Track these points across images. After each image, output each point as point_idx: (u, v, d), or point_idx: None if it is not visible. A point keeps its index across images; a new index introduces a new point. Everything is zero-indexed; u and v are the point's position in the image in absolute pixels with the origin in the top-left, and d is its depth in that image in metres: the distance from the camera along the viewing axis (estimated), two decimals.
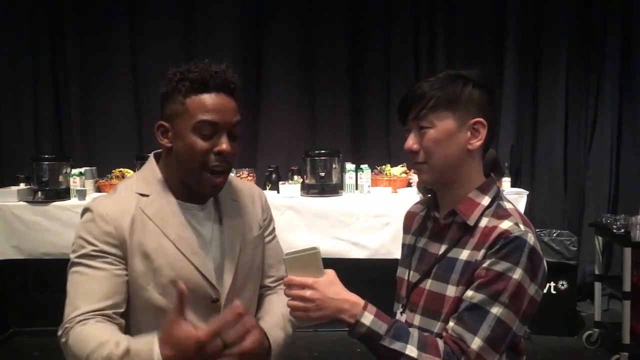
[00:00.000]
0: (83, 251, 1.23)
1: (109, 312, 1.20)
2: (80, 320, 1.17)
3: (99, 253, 1.22)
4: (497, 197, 1.21)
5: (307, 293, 1.12)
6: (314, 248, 1.15)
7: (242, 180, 1.44)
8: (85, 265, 1.22)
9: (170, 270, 1.25)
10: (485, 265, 1.11)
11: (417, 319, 1.21)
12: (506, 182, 3.86)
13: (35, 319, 3.76)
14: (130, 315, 1.27)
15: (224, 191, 1.36)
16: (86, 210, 1.27)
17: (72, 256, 1.24)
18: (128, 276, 1.25)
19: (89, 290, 1.20)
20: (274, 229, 1.51)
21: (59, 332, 1.20)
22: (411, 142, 1.21)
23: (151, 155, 1.36)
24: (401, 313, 1.27)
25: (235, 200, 1.39)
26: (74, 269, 1.23)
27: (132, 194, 1.28)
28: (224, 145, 1.23)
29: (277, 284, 1.49)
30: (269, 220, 1.49)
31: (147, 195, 1.28)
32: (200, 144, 1.22)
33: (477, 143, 1.19)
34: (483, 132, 1.19)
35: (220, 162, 1.25)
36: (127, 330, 1.26)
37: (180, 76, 1.24)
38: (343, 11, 4.38)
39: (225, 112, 1.24)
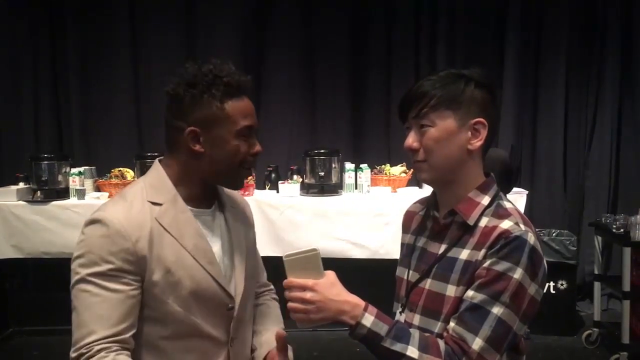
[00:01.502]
0: (97, 269, 1.16)
1: (125, 336, 1.17)
2: (99, 350, 1.14)
3: (116, 272, 1.17)
4: (497, 196, 1.21)
5: (308, 295, 1.12)
6: (314, 249, 1.14)
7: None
8: (99, 285, 1.16)
9: (189, 281, 1.23)
10: (485, 265, 1.11)
11: (416, 319, 1.21)
12: None
13: (35, 318, 3.76)
14: (142, 326, 1.23)
15: (226, 197, 1.38)
16: (98, 221, 1.19)
17: (81, 271, 1.17)
18: (145, 292, 1.21)
19: (104, 314, 1.16)
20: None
21: (74, 355, 1.15)
22: (411, 140, 1.20)
23: (156, 162, 1.33)
24: (400, 312, 1.26)
25: (234, 207, 1.41)
26: (86, 286, 1.16)
27: (144, 203, 1.23)
28: (258, 146, 1.31)
29: (262, 289, 1.54)
30: (253, 227, 1.54)
31: (160, 204, 1.24)
32: (244, 147, 1.28)
33: (477, 143, 1.18)
34: (484, 132, 1.18)
35: (253, 161, 1.32)
36: (136, 339, 1.23)
37: (210, 80, 1.23)
38: (344, 10, 4.38)
39: (254, 115, 1.31)
